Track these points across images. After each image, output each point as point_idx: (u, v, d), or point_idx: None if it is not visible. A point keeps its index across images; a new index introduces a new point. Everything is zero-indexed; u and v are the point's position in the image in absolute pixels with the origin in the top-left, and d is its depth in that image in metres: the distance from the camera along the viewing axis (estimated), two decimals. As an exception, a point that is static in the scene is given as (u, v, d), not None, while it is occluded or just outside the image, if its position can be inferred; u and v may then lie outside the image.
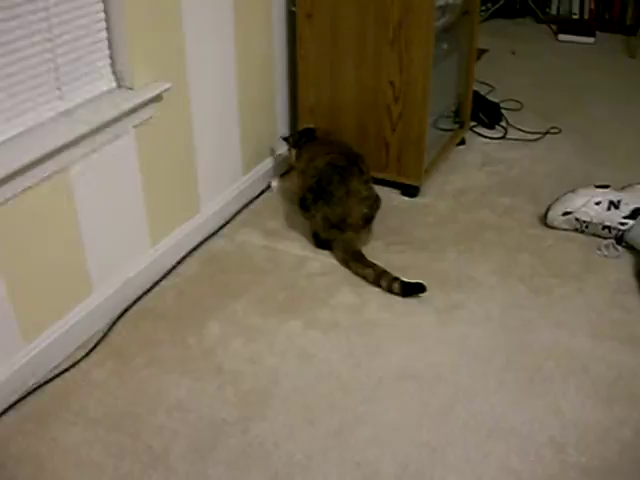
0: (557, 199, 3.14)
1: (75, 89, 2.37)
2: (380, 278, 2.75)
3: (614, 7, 5.61)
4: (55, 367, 2.41)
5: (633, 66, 4.98)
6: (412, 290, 2.70)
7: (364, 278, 2.80)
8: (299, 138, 3.27)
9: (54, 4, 2.21)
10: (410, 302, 2.70)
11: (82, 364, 2.44)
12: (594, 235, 3.05)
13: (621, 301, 2.71)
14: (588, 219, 3.04)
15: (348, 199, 2.90)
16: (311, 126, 3.34)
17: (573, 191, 3.13)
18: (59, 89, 2.31)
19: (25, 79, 2.19)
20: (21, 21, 2.12)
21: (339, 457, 2.11)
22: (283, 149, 3.42)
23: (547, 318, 2.63)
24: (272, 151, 3.46)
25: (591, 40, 5.38)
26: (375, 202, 2.99)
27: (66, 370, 2.41)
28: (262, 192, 3.41)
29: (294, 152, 3.25)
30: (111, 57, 2.48)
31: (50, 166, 2.23)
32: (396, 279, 2.72)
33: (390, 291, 2.73)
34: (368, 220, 2.96)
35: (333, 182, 2.91)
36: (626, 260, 2.93)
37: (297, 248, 3.01)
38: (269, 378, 2.38)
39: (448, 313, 2.66)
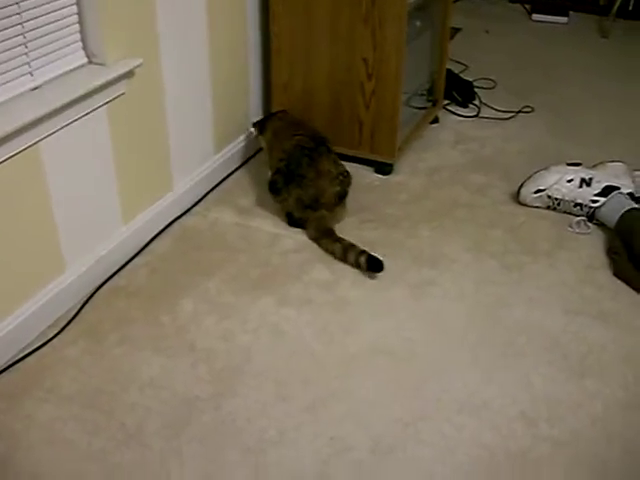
0: (529, 177, 3.16)
1: (45, 65, 2.34)
2: (347, 252, 2.76)
3: (587, -13, 5.64)
4: (28, 345, 2.39)
5: (605, 46, 5.01)
6: (376, 265, 2.70)
7: (332, 254, 2.81)
8: (265, 121, 3.30)
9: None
10: (383, 278, 2.70)
11: (55, 342, 2.42)
12: (566, 212, 3.08)
13: (592, 277, 2.74)
14: (560, 196, 3.06)
15: (319, 179, 2.90)
16: (280, 110, 3.35)
17: (545, 169, 3.15)
18: (29, 65, 2.28)
19: (-6, 54, 2.16)
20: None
21: (312, 432, 2.12)
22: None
23: (519, 294, 2.65)
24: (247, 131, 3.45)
25: (564, 20, 5.40)
26: (346, 178, 2.99)
27: (39, 348, 2.39)
28: (235, 170, 3.40)
29: (261, 137, 3.27)
30: (82, 33, 2.45)
31: (19, 142, 2.20)
32: (363, 252, 2.73)
33: (357, 265, 2.73)
34: (341, 197, 2.96)
35: (302, 165, 2.91)
36: (597, 237, 2.96)
37: (270, 225, 3.00)
38: (242, 355, 2.38)
39: (421, 289, 2.67)
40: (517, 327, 2.51)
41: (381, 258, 2.70)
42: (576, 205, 3.05)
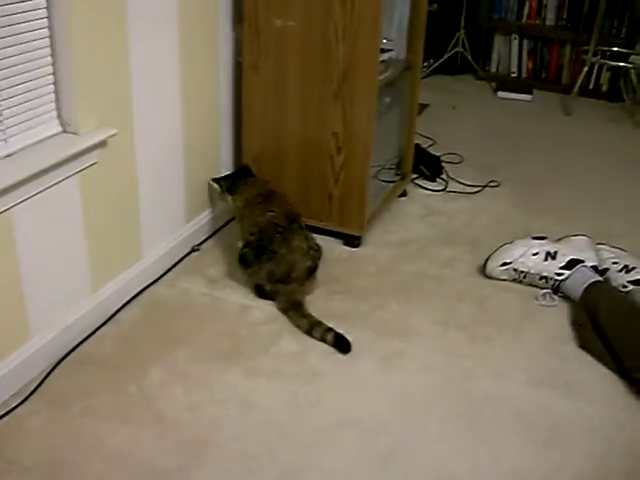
0: (496, 250, 3.21)
1: (19, 132, 2.36)
2: (313, 328, 2.77)
3: (550, 67, 5.82)
4: (-10, 414, 2.36)
5: (568, 122, 5.15)
6: (344, 345, 2.71)
7: (299, 327, 2.81)
8: (233, 181, 3.26)
9: (1, 48, 2.22)
10: (351, 351, 2.70)
11: (17, 411, 2.38)
12: (532, 285, 3.12)
13: (558, 349, 2.77)
14: (526, 269, 3.11)
15: (291, 255, 2.92)
16: (244, 165, 3.37)
17: (511, 242, 3.21)
18: (3, 132, 2.30)
19: (-33, 122, 2.18)
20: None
21: (279, 505, 2.09)
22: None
23: (486, 366, 2.67)
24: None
25: (529, 97, 5.56)
26: (317, 252, 3.02)
27: (1, 417, 2.35)
28: (205, 239, 3.41)
29: (229, 197, 3.23)
30: (56, 102, 2.48)
31: (-9, 209, 2.21)
32: (329, 330, 2.74)
33: (323, 341, 2.74)
34: (312, 271, 2.98)
35: (275, 241, 2.93)
36: (562, 309, 3.00)
37: (239, 296, 3.01)
38: (209, 426, 2.36)
39: (389, 361, 2.68)
40: (484, 399, 2.51)
41: (349, 338, 2.71)
42: (542, 278, 3.09)
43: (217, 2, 3.18)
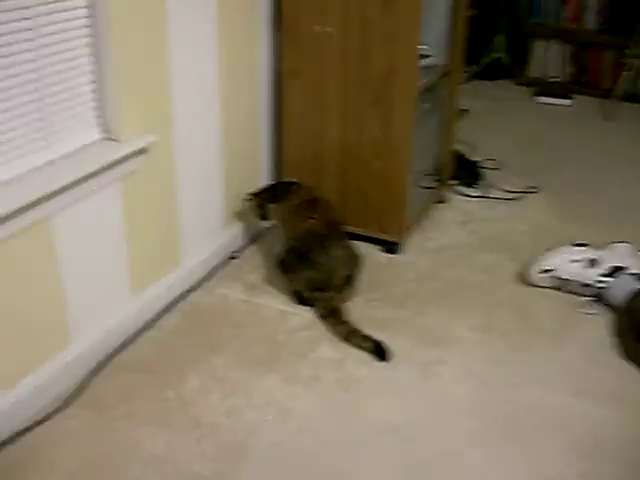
0: (537, 257, 3.17)
1: (61, 139, 2.39)
2: (351, 336, 2.76)
3: (590, 71, 5.75)
4: (31, 418, 2.38)
5: (609, 129, 5.09)
6: (382, 352, 2.69)
7: (336, 334, 2.81)
8: (273, 192, 3.24)
9: (44, 55, 2.25)
10: (390, 358, 2.69)
11: (59, 416, 2.41)
12: (573, 293, 3.08)
13: (599, 358, 2.73)
14: (567, 277, 3.07)
15: (330, 264, 2.92)
16: (287, 180, 3.34)
17: (552, 249, 3.17)
18: (45, 139, 2.33)
19: (12, 128, 2.21)
20: (11, 71, 2.16)
21: (318, 513, 2.09)
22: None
23: (527, 374, 2.64)
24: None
25: (568, 102, 5.50)
26: (356, 261, 3.01)
27: (42, 421, 2.37)
28: (244, 246, 3.42)
29: (272, 206, 3.20)
30: (98, 109, 2.51)
31: (33, 215, 2.23)
32: (367, 337, 2.73)
33: (362, 349, 2.73)
34: (350, 280, 2.98)
35: (314, 249, 2.93)
36: (604, 317, 2.95)
37: (277, 302, 3.01)
38: (247, 432, 2.36)
39: (428, 369, 2.66)
40: (524, 408, 2.48)
41: (387, 346, 2.70)
42: (583, 285, 3.05)
43: (256, 9, 3.19)
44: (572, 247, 3.16)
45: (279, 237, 3.17)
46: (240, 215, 3.38)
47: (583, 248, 3.15)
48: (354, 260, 3.00)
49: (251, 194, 3.27)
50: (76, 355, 2.54)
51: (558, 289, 3.11)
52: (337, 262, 2.93)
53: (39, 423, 2.37)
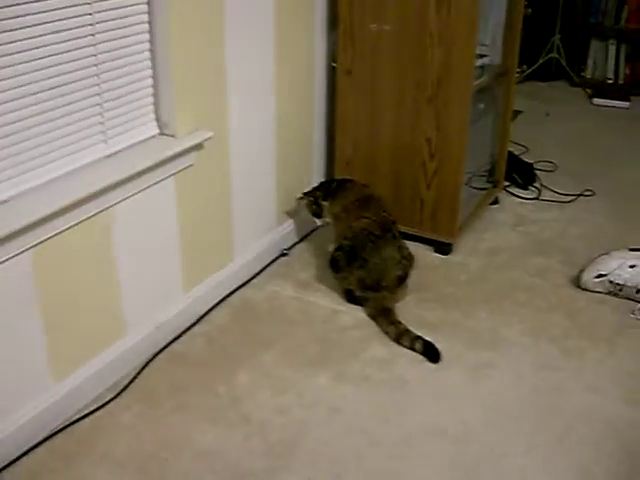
0: (591, 261, 3.13)
1: (119, 134, 2.43)
2: (401, 336, 2.75)
3: (649, 73, 5.66)
4: (84, 407, 2.42)
5: (667, 132, 5.00)
6: (432, 353, 2.69)
7: (387, 334, 2.80)
8: (328, 189, 3.22)
9: (104, 51, 2.28)
10: (441, 359, 2.68)
11: (111, 406, 2.44)
12: (628, 298, 3.03)
13: (654, 367, 2.69)
14: (622, 282, 3.02)
15: (383, 264, 2.91)
16: (341, 177, 3.33)
17: (607, 254, 3.13)
18: (104, 133, 2.36)
19: (72, 121, 2.25)
20: (72, 66, 2.19)
21: (365, 513, 2.09)
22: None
23: (579, 381, 2.60)
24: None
25: (626, 105, 5.41)
26: (409, 262, 3.00)
27: (95, 411, 2.41)
28: (295, 243, 3.43)
29: (326, 203, 3.19)
30: (155, 104, 2.54)
31: (91, 207, 2.27)
32: (418, 338, 2.72)
33: (412, 349, 2.72)
34: (402, 280, 2.97)
35: (367, 249, 2.91)
36: (660, 325, 2.91)
37: (328, 301, 3.01)
38: (297, 430, 2.37)
39: (478, 371, 2.64)
40: (576, 414, 2.45)
41: (438, 347, 2.69)
42: (638, 291, 3.00)
43: (313, 7, 3.20)
44: (628, 252, 3.12)
45: (332, 235, 3.17)
46: (293, 213, 3.39)
47: (639, 253, 3.09)
48: (407, 261, 2.98)
49: (305, 192, 3.27)
50: (129, 347, 2.57)
51: (612, 294, 3.06)
52: (390, 262, 2.92)
53: (91, 413, 2.40)
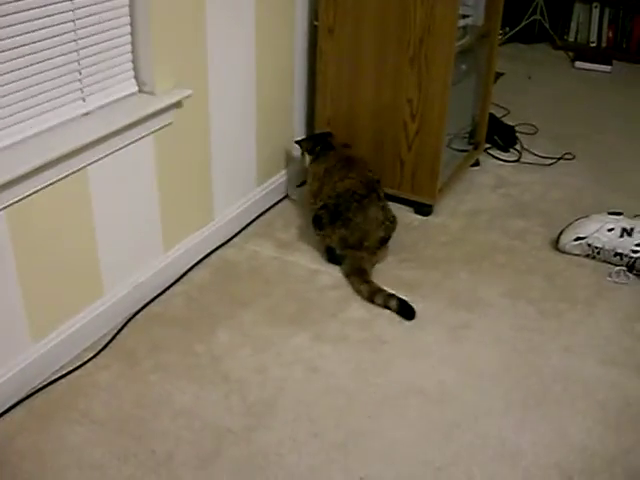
0: (570, 224, 3.15)
1: (97, 91, 2.39)
2: (374, 295, 2.76)
3: (632, 36, 5.64)
4: (63, 367, 2.41)
5: (648, 96, 5.00)
6: (407, 311, 2.70)
7: (359, 293, 2.81)
8: (314, 144, 3.24)
9: (81, 6, 2.23)
10: (419, 319, 2.69)
11: (89, 365, 2.44)
12: (605, 262, 3.05)
13: (631, 328, 2.71)
14: (600, 245, 3.04)
15: (366, 224, 2.91)
16: (327, 131, 3.34)
17: (586, 217, 3.14)
18: (81, 90, 2.33)
19: (49, 78, 2.21)
20: (48, 21, 2.15)
21: (343, 470, 2.10)
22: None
23: (556, 342, 2.63)
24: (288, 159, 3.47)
25: (608, 69, 5.39)
26: (392, 224, 3.00)
27: (73, 370, 2.41)
28: (275, 203, 3.42)
29: (309, 157, 3.23)
30: (134, 62, 2.50)
31: (68, 166, 2.24)
32: (392, 296, 2.73)
33: (387, 308, 2.73)
34: (384, 242, 2.97)
35: (351, 209, 2.92)
36: (637, 287, 2.93)
37: (308, 261, 3.01)
38: (275, 389, 2.37)
39: (457, 332, 2.66)
40: (553, 375, 2.48)
41: (414, 306, 2.70)
42: (616, 255, 3.02)
43: (295, -37, 3.15)
44: (606, 215, 3.12)
45: (312, 187, 3.17)
46: (274, 167, 3.40)
47: (617, 217, 3.10)
48: (391, 223, 2.99)
49: (297, 140, 3.33)
50: (108, 306, 2.56)
51: (590, 257, 3.08)
52: (373, 223, 2.92)
53: (70, 372, 2.40)
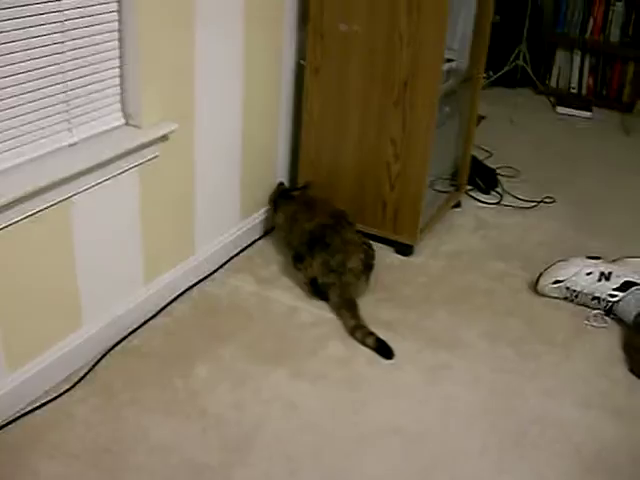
0: (548, 267, 3.17)
1: (84, 123, 2.40)
2: (356, 329, 2.77)
3: (612, 84, 5.73)
4: (37, 398, 2.39)
5: (628, 143, 5.06)
6: (384, 350, 2.70)
7: (345, 326, 2.82)
8: (277, 200, 3.39)
9: (71, 39, 2.25)
10: (398, 359, 2.69)
11: (65, 398, 2.42)
12: (583, 305, 3.07)
13: (608, 371, 2.72)
14: (578, 289, 3.06)
15: (345, 245, 2.95)
16: (281, 182, 3.48)
17: (565, 260, 3.17)
18: (68, 121, 2.34)
19: (36, 108, 2.22)
20: (37, 52, 2.16)
21: (319, 510, 2.09)
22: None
23: (534, 384, 2.64)
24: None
25: (588, 114, 5.48)
26: (369, 248, 3.04)
27: (48, 402, 2.38)
28: (256, 240, 3.42)
29: (275, 216, 3.38)
30: (121, 95, 2.51)
31: (51, 196, 2.24)
32: (371, 334, 2.74)
33: (364, 344, 2.74)
34: (367, 266, 2.98)
35: (327, 235, 2.96)
36: (614, 331, 2.95)
37: (288, 297, 3.01)
38: (253, 425, 2.36)
39: (435, 372, 2.66)
40: (531, 418, 2.48)
41: (391, 345, 2.71)
42: (594, 298, 3.05)
43: (283, 5, 3.19)
44: (585, 259, 3.16)
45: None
46: (257, 203, 3.43)
47: (596, 261, 3.14)
48: (368, 247, 3.04)
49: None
50: (86, 338, 2.55)
51: (569, 300, 3.10)
52: (351, 244, 2.97)
53: (45, 404, 2.38)
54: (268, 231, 3.49)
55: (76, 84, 2.32)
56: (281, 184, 3.46)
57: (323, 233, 2.97)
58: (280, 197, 3.36)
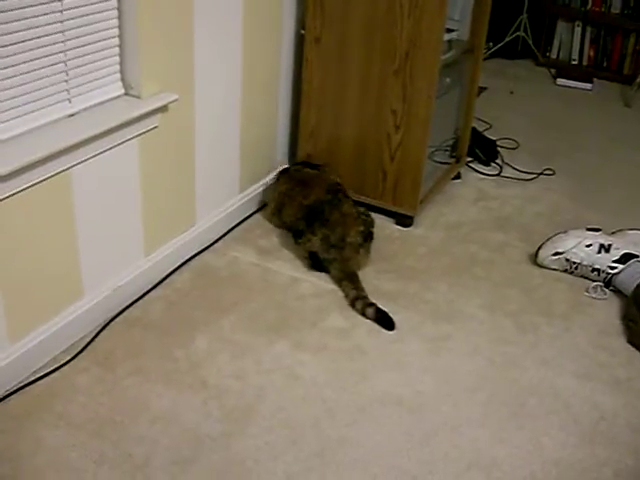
0: (548, 239, 3.17)
1: (83, 93, 2.39)
2: (356, 300, 2.78)
3: (613, 56, 5.71)
4: (40, 369, 2.40)
5: (628, 115, 5.05)
6: (385, 321, 2.71)
7: (346, 297, 2.83)
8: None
9: (70, 7, 2.24)
10: (398, 330, 2.71)
11: (67, 368, 2.43)
12: (583, 277, 3.08)
13: (606, 343, 2.73)
14: (578, 261, 3.07)
15: (344, 219, 2.95)
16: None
17: (565, 232, 3.17)
18: (68, 91, 2.33)
19: (36, 79, 2.20)
20: (35, 21, 2.14)
21: (320, 478, 2.10)
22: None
23: (533, 355, 2.65)
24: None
25: (588, 86, 5.46)
26: (368, 218, 3.05)
27: (50, 373, 2.39)
28: (257, 210, 3.42)
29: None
30: (121, 65, 2.50)
31: (51, 167, 2.24)
32: (371, 305, 2.74)
33: (363, 315, 2.75)
34: (366, 238, 2.99)
35: (325, 210, 2.98)
36: (613, 303, 2.96)
37: (289, 269, 3.02)
38: (254, 396, 2.38)
39: (435, 343, 2.67)
40: (529, 388, 2.50)
41: (392, 316, 2.72)
42: (593, 270, 3.05)
43: (283, -27, 3.17)
44: (585, 231, 3.16)
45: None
46: (257, 174, 3.43)
47: (596, 233, 3.14)
48: (366, 217, 3.04)
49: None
50: (87, 309, 2.55)
51: (568, 272, 3.11)
52: (350, 217, 2.97)
53: (47, 375, 2.39)
54: (267, 204, 3.49)
55: (75, 54, 2.31)
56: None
57: (322, 208, 2.98)
58: (282, 172, 3.35)
